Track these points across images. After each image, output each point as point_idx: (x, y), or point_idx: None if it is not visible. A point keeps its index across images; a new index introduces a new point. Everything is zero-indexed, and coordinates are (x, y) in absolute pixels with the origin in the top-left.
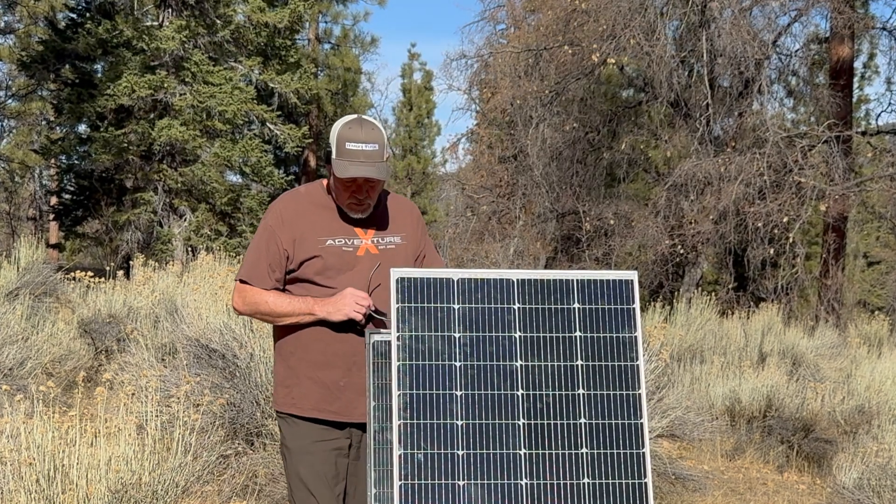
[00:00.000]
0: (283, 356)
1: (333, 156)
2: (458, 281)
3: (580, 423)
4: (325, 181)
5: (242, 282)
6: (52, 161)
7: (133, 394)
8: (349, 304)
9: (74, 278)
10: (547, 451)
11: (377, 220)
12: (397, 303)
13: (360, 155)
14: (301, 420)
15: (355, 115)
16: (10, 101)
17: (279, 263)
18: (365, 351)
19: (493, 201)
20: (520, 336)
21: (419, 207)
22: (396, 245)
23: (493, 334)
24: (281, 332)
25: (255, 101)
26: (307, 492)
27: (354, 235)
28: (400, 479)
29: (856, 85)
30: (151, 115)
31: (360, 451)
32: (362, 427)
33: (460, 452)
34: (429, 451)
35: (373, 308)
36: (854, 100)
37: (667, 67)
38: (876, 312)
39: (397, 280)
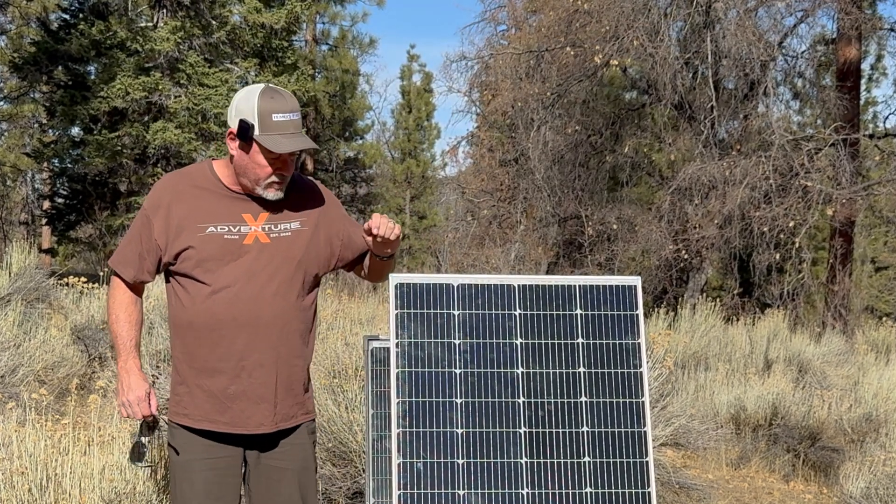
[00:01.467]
0: (174, 362)
1: (257, 132)
2: (458, 286)
3: (582, 432)
4: (213, 161)
5: (113, 270)
6: (45, 164)
7: None
8: (123, 399)
9: (67, 284)
10: (548, 460)
11: (270, 203)
12: (396, 308)
13: (289, 126)
14: (190, 432)
15: (263, 85)
16: (1, 103)
17: (151, 253)
18: (263, 355)
19: (493, 205)
20: (521, 343)
21: (418, 212)
22: (294, 232)
23: (494, 341)
24: (170, 332)
25: None
26: None
27: (241, 222)
28: (399, 489)
29: (863, 87)
30: (146, 118)
31: (260, 472)
32: (260, 442)
33: (460, 461)
34: (428, 460)
35: (150, 417)
36: (861, 102)
37: (671, 69)
38: (884, 319)
39: (396, 286)
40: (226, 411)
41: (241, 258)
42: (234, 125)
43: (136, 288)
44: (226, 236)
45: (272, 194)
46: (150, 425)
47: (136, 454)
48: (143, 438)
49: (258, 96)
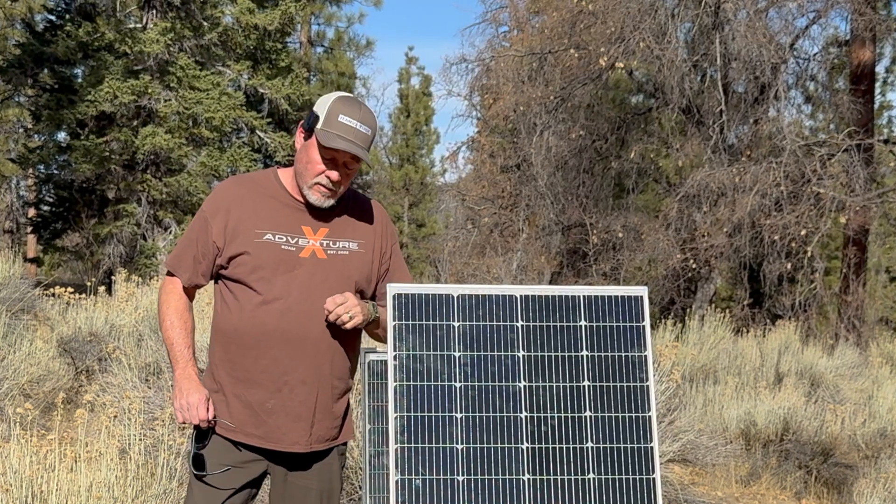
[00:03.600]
0: (211, 366)
1: (320, 125)
2: (458, 297)
3: (587, 448)
4: (279, 169)
5: (168, 271)
6: (30, 171)
7: (115, 416)
8: (181, 403)
9: (53, 294)
10: (552, 477)
11: (334, 220)
12: (394, 320)
13: (351, 132)
14: (220, 439)
15: (352, 95)
16: None
17: (207, 256)
18: (306, 373)
19: (494, 213)
20: (523, 355)
21: (417, 220)
22: (350, 252)
23: (496, 353)
24: (211, 336)
25: (243, 108)
26: None
27: (300, 234)
28: None
29: (878, 90)
30: (135, 123)
31: (286, 490)
32: (290, 460)
33: (460, 478)
34: (427, 477)
35: (205, 423)
36: (876, 106)
37: (678, 72)
38: None
39: (394, 296)
40: (261, 425)
41: (296, 270)
42: (303, 121)
43: (190, 292)
44: (283, 246)
45: (316, 198)
46: (203, 433)
47: (198, 463)
48: (199, 446)
49: (337, 97)
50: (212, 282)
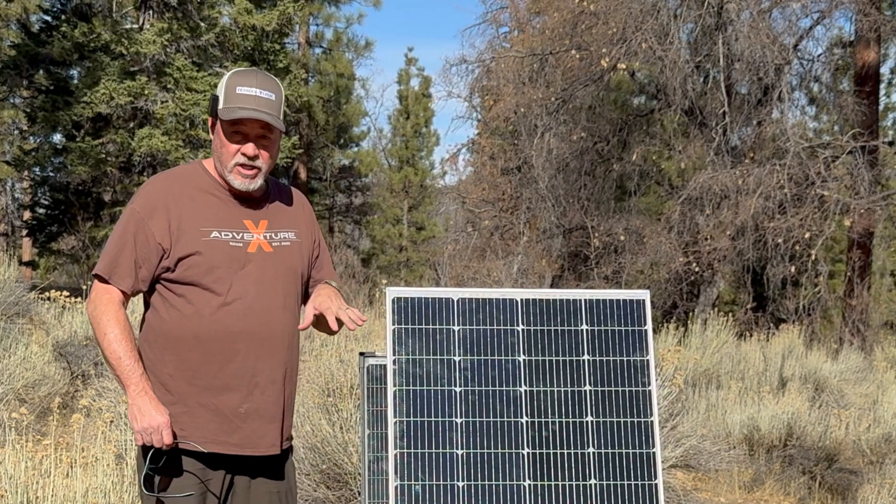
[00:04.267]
0: (160, 377)
1: (220, 104)
2: (458, 301)
3: (588, 453)
4: (205, 161)
5: (100, 279)
6: (25, 173)
7: (111, 421)
8: (143, 426)
9: (49, 298)
10: (553, 483)
11: (269, 210)
12: (393, 324)
13: (251, 100)
14: (186, 457)
15: (250, 67)
16: None
17: (148, 259)
18: (275, 372)
19: (495, 216)
20: (524, 359)
21: (416, 222)
22: (291, 242)
23: (496, 358)
24: (152, 346)
25: None
26: None
27: (244, 228)
28: None
29: (882, 92)
30: (131, 124)
31: (250, 497)
32: (256, 465)
33: (461, 484)
34: (427, 483)
35: (168, 447)
36: (881, 108)
37: (681, 73)
38: None
39: (393, 300)
40: (235, 431)
41: (247, 267)
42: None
43: (125, 302)
44: (231, 243)
45: (239, 182)
46: (160, 453)
47: (150, 484)
48: (152, 467)
49: (231, 72)
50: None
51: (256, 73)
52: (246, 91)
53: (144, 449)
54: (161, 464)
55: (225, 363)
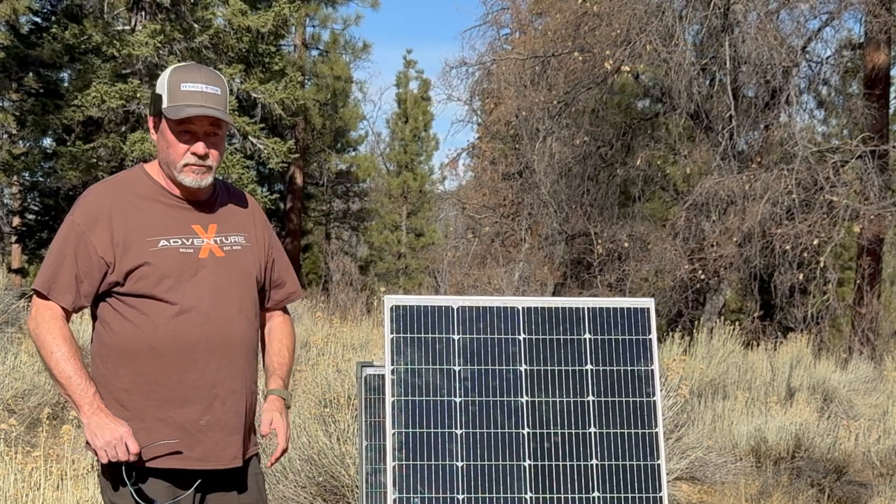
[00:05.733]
0: (114, 393)
1: (165, 103)
2: (458, 309)
3: (591, 465)
4: (146, 165)
5: (40, 295)
6: (15, 178)
7: None
8: (105, 440)
9: None
10: (555, 496)
11: (218, 214)
12: (391, 333)
13: (198, 97)
14: (152, 477)
15: (189, 62)
16: None
17: (90, 274)
18: (235, 381)
19: (496, 222)
20: (525, 369)
21: (415, 229)
22: (242, 246)
23: (497, 367)
24: (105, 361)
25: (236, 113)
26: None
27: (193, 234)
28: None
29: (893, 95)
30: (123, 128)
31: None
32: (223, 479)
33: (461, 496)
34: (426, 496)
35: (135, 456)
36: (891, 111)
37: (686, 76)
38: None
39: (392, 308)
40: (196, 445)
41: (200, 273)
42: (149, 110)
43: (67, 317)
44: (181, 250)
45: (190, 179)
46: (131, 467)
47: (145, 496)
48: (133, 481)
49: (172, 68)
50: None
51: (200, 69)
52: (191, 87)
53: (111, 469)
54: (135, 479)
55: (183, 374)
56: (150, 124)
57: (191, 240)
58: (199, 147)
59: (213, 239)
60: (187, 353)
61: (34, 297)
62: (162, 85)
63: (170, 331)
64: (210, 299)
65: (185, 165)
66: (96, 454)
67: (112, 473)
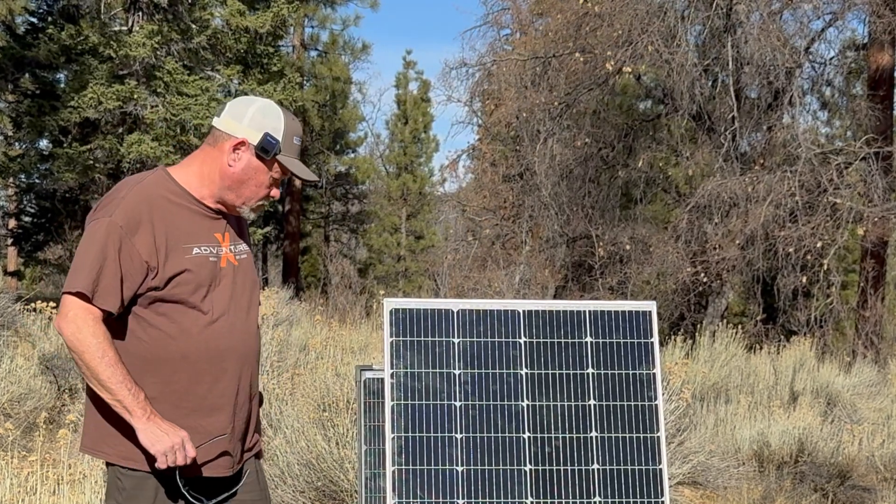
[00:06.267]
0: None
1: (281, 150)
2: (458, 312)
3: (593, 470)
4: (169, 169)
5: (82, 296)
6: (11, 180)
7: None
8: (167, 445)
9: (35, 309)
10: (556, 500)
11: (227, 222)
12: (391, 336)
13: (299, 152)
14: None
15: (274, 101)
16: None
17: (133, 278)
18: (251, 389)
19: (496, 224)
20: (526, 373)
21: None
22: (246, 255)
23: (497, 371)
24: (142, 369)
25: None
26: None
27: (216, 242)
28: None
29: None
30: (120, 130)
31: None
32: (229, 483)
33: (461, 501)
34: (426, 500)
35: (185, 464)
36: (895, 112)
37: (688, 77)
38: None
39: (391, 311)
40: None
41: (222, 282)
42: (250, 136)
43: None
44: (210, 258)
45: (253, 214)
46: (182, 471)
47: (197, 497)
48: (186, 487)
49: (283, 114)
50: None
51: (300, 123)
52: (298, 143)
53: (163, 473)
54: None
55: (214, 383)
56: (243, 152)
57: (215, 248)
58: (277, 193)
59: (229, 247)
60: (217, 361)
61: (69, 298)
62: (276, 128)
63: (203, 339)
64: (234, 308)
65: (260, 204)
66: (148, 460)
67: (165, 477)
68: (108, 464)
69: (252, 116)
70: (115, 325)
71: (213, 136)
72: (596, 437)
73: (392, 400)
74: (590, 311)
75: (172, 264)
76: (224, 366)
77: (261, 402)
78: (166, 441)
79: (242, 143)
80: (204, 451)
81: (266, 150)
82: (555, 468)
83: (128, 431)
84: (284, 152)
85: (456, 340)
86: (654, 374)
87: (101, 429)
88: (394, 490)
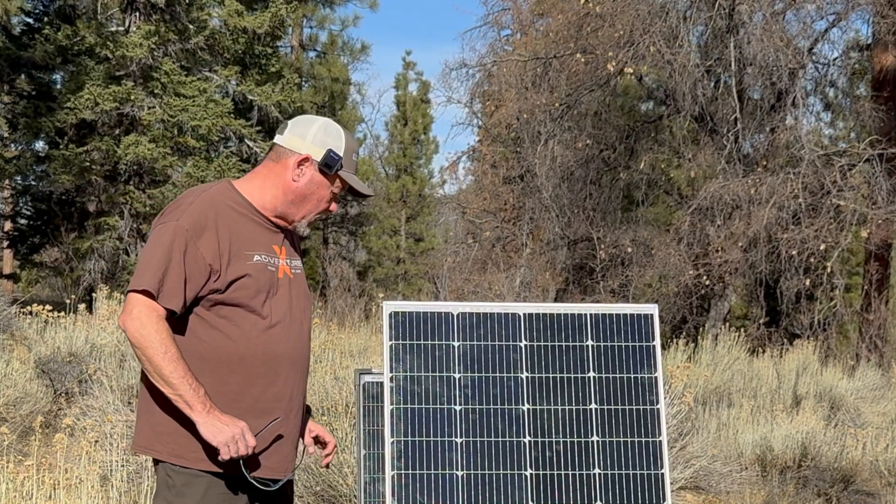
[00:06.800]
0: None
1: (344, 167)
2: (458, 315)
3: (594, 474)
4: (234, 182)
5: (148, 294)
6: (6, 182)
7: (96, 441)
8: (229, 436)
9: (31, 312)
10: None
11: (284, 238)
12: (390, 339)
13: (357, 168)
14: (223, 481)
15: (331, 119)
16: None
17: (196, 279)
18: (303, 396)
19: (497, 227)
20: (527, 377)
21: (415, 233)
22: (300, 271)
23: (498, 375)
24: (200, 368)
25: (231, 116)
26: None
27: (274, 253)
28: None
29: None
30: (117, 131)
31: None
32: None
33: None
34: None
35: (246, 454)
36: None
37: (691, 77)
38: None
39: (391, 314)
40: (272, 455)
41: (280, 291)
42: (314, 153)
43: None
44: (269, 267)
45: (308, 230)
46: (246, 461)
47: (265, 483)
48: (248, 470)
49: (344, 132)
50: None
51: (357, 141)
52: (356, 159)
53: (228, 464)
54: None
55: (268, 386)
56: (306, 168)
57: (273, 259)
58: (335, 208)
59: (285, 260)
60: (273, 366)
61: (135, 296)
62: (339, 145)
63: (260, 343)
64: (289, 317)
65: (316, 218)
66: (211, 452)
67: (230, 467)
68: (156, 462)
69: (315, 134)
70: (177, 324)
71: (276, 153)
72: (597, 441)
73: (391, 404)
74: (591, 314)
75: (234, 269)
76: (278, 370)
77: (309, 414)
78: (227, 432)
79: (306, 158)
80: (262, 439)
81: (329, 165)
82: (556, 473)
83: (180, 430)
84: (345, 168)
85: (456, 344)
86: (655, 377)
87: (154, 428)
88: (393, 495)
